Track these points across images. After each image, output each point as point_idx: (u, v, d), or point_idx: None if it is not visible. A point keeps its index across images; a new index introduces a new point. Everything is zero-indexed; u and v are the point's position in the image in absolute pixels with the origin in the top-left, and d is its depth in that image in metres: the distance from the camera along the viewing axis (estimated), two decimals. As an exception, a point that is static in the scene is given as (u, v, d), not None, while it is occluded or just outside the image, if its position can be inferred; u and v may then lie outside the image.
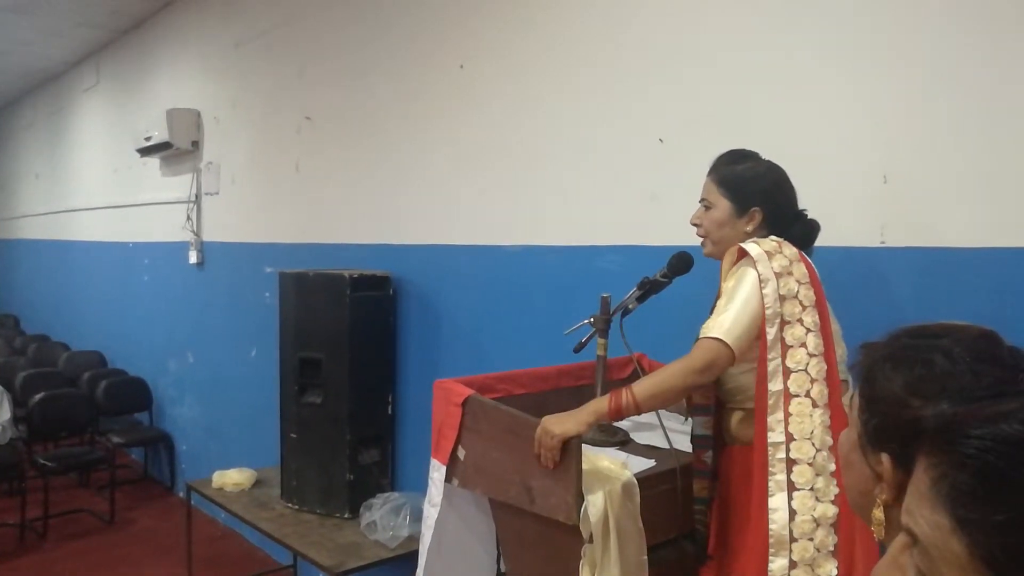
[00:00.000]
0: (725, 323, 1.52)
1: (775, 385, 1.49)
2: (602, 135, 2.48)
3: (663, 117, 2.30)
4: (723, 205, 1.70)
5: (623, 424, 1.93)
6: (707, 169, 1.76)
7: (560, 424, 1.53)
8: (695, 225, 1.76)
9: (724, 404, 1.67)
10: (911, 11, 1.77)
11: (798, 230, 1.67)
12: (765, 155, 1.73)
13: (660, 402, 1.59)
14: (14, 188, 9.05)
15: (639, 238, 2.36)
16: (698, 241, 1.78)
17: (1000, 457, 0.57)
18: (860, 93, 1.86)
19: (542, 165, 2.69)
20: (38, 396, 4.92)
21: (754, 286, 1.52)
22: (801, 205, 1.71)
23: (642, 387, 1.55)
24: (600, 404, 1.58)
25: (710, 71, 2.18)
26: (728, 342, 1.50)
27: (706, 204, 1.73)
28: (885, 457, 0.81)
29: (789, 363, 1.49)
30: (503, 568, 1.92)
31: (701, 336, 1.54)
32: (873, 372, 0.84)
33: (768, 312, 1.50)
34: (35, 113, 8.32)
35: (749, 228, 1.67)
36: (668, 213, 2.22)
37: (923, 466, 0.62)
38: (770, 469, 1.48)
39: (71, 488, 5.22)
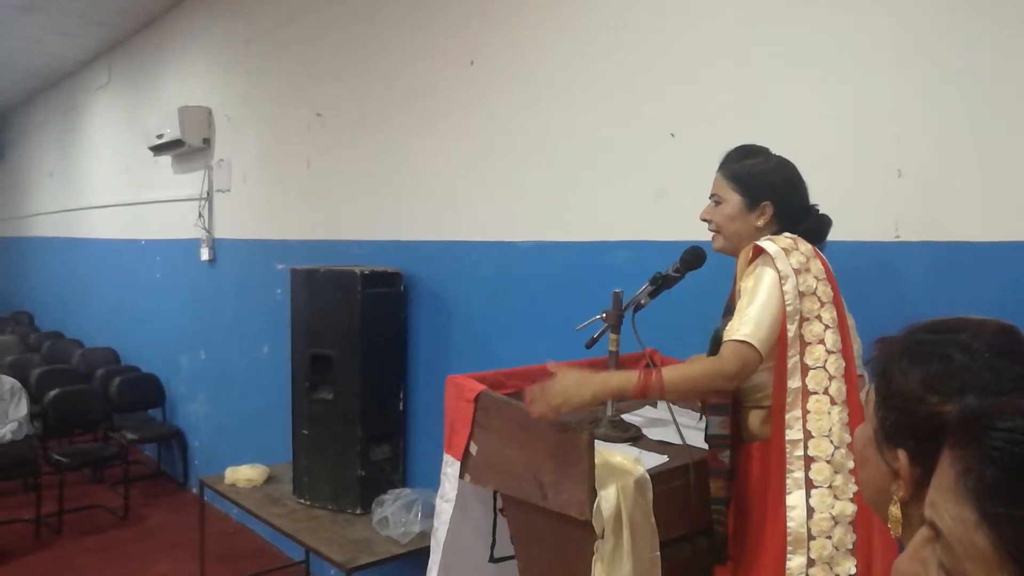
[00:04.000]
0: (750, 325, 1.50)
1: (794, 382, 1.49)
2: (612, 130, 2.47)
3: (674, 112, 2.29)
4: (734, 200, 1.69)
5: (635, 420, 1.93)
6: (718, 164, 1.75)
7: (579, 389, 1.50)
8: (705, 221, 1.75)
9: (741, 403, 1.65)
10: (925, 4, 1.75)
11: (809, 225, 1.65)
12: (778, 150, 1.72)
13: (683, 395, 1.57)
14: (28, 186, 9.12)
15: (650, 233, 2.36)
16: (709, 236, 1.77)
17: None
18: (874, 87, 1.84)
19: (552, 161, 2.68)
20: (52, 392, 4.96)
21: (774, 284, 1.51)
22: (816, 200, 1.70)
23: (672, 376, 1.52)
24: (627, 380, 1.52)
25: (721, 66, 2.17)
26: (756, 345, 1.49)
27: (716, 199, 1.72)
28: (902, 453, 0.80)
29: (808, 360, 1.49)
30: (496, 555, 1.91)
31: (728, 339, 1.52)
32: (889, 367, 0.83)
33: (788, 309, 1.50)
34: (48, 112, 8.37)
35: (760, 223, 1.66)
36: (679, 208, 2.22)
37: (948, 459, 0.62)
38: (788, 467, 1.47)
39: (85, 484, 5.27)
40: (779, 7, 2.03)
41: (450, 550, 1.88)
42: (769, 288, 1.51)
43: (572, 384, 1.52)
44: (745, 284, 1.57)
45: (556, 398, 1.51)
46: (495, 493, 1.85)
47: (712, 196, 1.74)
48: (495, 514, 1.88)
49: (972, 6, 1.68)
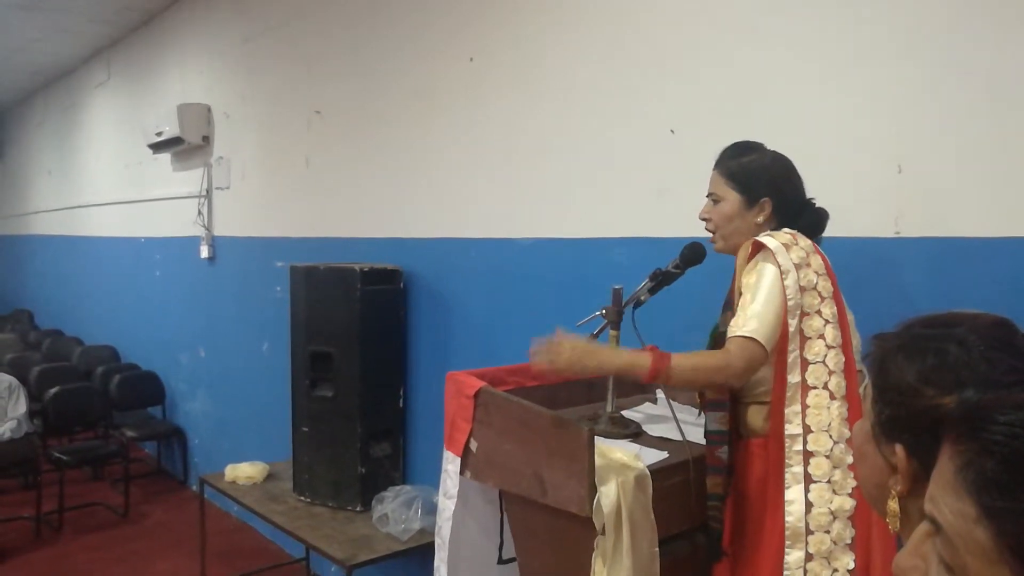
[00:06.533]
0: (754, 321, 1.50)
1: (793, 377, 1.49)
2: (612, 127, 2.47)
3: (674, 109, 2.29)
4: (732, 198, 1.68)
5: (635, 416, 1.93)
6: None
7: (585, 356, 1.53)
8: (704, 220, 1.75)
9: (740, 399, 1.66)
10: (924, 0, 1.75)
11: (807, 219, 1.65)
12: (778, 146, 1.72)
13: (686, 385, 1.57)
14: (27, 184, 9.11)
15: (650, 230, 2.36)
16: (710, 233, 1.77)
17: None
18: (874, 83, 1.84)
19: (552, 158, 2.68)
20: (52, 390, 4.97)
21: (776, 279, 1.51)
22: (815, 196, 1.70)
23: (681, 365, 1.52)
24: (638, 362, 1.54)
25: (722, 62, 2.17)
26: (762, 341, 1.49)
27: (714, 198, 1.72)
28: (899, 448, 0.80)
29: (807, 355, 1.49)
30: (504, 556, 1.92)
31: (733, 334, 1.51)
32: (886, 362, 0.84)
33: (790, 304, 1.50)
34: (47, 110, 8.36)
35: (760, 219, 1.66)
36: (679, 205, 2.22)
37: (948, 453, 0.62)
38: (787, 461, 1.48)
39: (85, 482, 5.28)
40: (778, 3, 2.03)
41: (455, 547, 1.88)
42: (771, 283, 1.51)
43: (581, 349, 1.54)
44: (747, 280, 1.56)
45: (561, 357, 1.53)
46: (500, 492, 1.86)
47: (710, 195, 1.73)
48: (502, 514, 1.88)
49: (974, 2, 1.67)
